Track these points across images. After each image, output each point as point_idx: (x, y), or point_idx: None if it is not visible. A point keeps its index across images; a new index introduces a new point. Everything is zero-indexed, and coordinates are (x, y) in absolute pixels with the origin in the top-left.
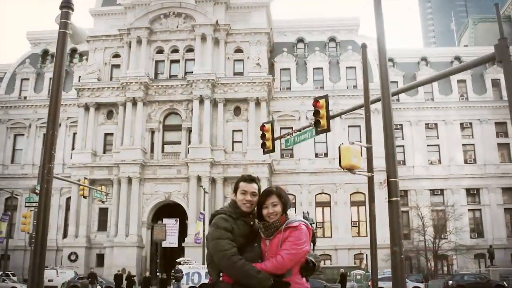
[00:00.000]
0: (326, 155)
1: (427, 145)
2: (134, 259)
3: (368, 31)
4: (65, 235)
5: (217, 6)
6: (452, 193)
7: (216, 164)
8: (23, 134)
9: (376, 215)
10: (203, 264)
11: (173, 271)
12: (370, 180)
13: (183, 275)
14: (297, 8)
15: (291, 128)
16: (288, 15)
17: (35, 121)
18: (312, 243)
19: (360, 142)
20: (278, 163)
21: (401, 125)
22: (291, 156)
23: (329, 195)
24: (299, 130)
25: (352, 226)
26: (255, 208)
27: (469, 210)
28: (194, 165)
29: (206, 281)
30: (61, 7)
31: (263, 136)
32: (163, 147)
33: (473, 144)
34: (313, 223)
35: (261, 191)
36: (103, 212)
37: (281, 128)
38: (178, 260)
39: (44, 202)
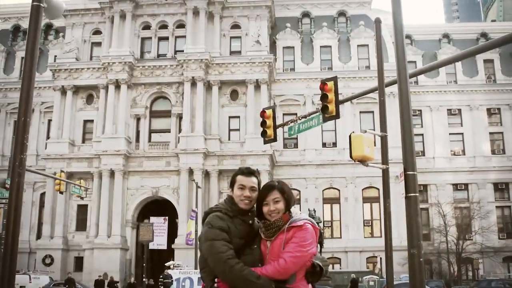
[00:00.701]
0: (335, 145)
1: (450, 134)
2: (118, 262)
3: (382, 4)
4: (39, 236)
5: None
6: (477, 188)
7: (210, 155)
8: None
9: (392, 213)
10: (196, 268)
11: (161, 276)
12: (385, 173)
13: (172, 281)
14: None
15: (295, 114)
16: None
17: (4, 106)
18: (319, 245)
19: (374, 130)
20: (281, 154)
21: (420, 111)
22: (295, 146)
23: (339, 190)
24: (305, 117)
25: (364, 225)
26: (255, 205)
27: (497, 207)
28: (185, 156)
29: (199, 287)
30: None
31: (263, 124)
32: (150, 136)
33: (502, 133)
34: (320, 222)
35: (261, 185)
36: (82, 210)
37: (284, 114)
38: (167, 264)
39: (15, 198)
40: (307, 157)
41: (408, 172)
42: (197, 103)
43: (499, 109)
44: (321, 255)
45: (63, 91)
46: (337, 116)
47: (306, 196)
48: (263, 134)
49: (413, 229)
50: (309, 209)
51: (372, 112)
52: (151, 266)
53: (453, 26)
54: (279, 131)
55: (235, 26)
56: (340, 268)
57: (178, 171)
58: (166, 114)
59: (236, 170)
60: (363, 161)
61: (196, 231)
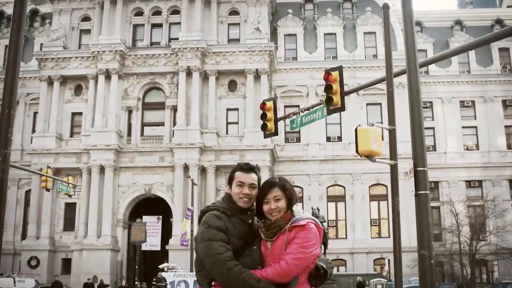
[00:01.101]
0: (340, 139)
1: (462, 127)
2: (108, 264)
3: None
4: (24, 236)
5: None
6: (492, 185)
7: (207, 150)
8: None
9: (401, 212)
10: (191, 271)
11: (154, 279)
12: (393, 169)
13: (166, 284)
14: None
15: (298, 106)
16: None
17: None
18: (323, 246)
19: (382, 123)
20: (282, 148)
21: (431, 102)
22: (298, 140)
23: (344, 187)
24: (308, 109)
25: (371, 224)
26: (254, 204)
27: None
28: (180, 151)
29: None
30: None
31: (263, 116)
32: (142, 130)
33: None
34: (324, 221)
35: (261, 182)
36: (70, 208)
37: (285, 106)
38: (161, 266)
39: None
40: (310, 152)
41: (418, 168)
42: (192, 95)
43: None
44: (325, 256)
45: (50, 82)
46: (342, 108)
47: (309, 193)
48: (263, 127)
49: (423, 228)
50: (312, 208)
51: (380, 104)
52: (143, 268)
53: (466, 13)
54: (281, 124)
55: (234, 12)
56: (346, 271)
57: (173, 167)
58: (160, 106)
59: (234, 166)
60: (370, 156)
61: (191, 231)
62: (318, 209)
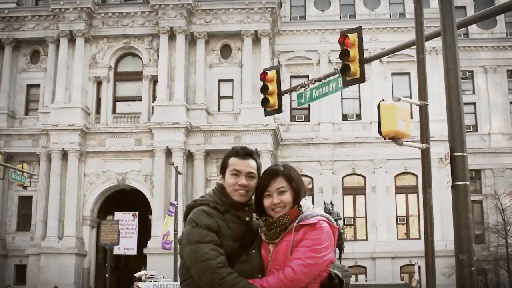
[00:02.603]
0: (359, 117)
1: (510, 103)
2: (72, 272)
3: None
4: None
5: None
6: None
7: (195, 131)
8: None
9: (434, 207)
10: (175, 280)
11: None
12: (425, 155)
13: None
14: None
15: (307, 77)
16: None
17: None
18: (337, 249)
19: (410, 97)
20: (287, 129)
21: (472, 72)
22: (307, 119)
23: (364, 177)
24: (319, 80)
25: (397, 223)
26: (253, 197)
27: None
28: (162, 132)
29: None
30: None
31: (264, 89)
32: (114, 106)
33: None
34: (340, 219)
35: (262, 171)
36: (26, 203)
37: (291, 77)
38: (137, 275)
39: None
40: (322, 134)
41: (455, 153)
42: (177, 62)
43: None
44: (340, 262)
45: (0, 46)
46: (361, 79)
47: (321, 185)
48: (264, 103)
49: (462, 228)
50: (324, 202)
51: (408, 74)
52: (116, 277)
53: None
54: (285, 99)
55: None
56: (366, 280)
57: (152, 152)
58: (136, 76)
59: (228, 151)
60: (396, 138)
61: (175, 231)
62: (331, 204)
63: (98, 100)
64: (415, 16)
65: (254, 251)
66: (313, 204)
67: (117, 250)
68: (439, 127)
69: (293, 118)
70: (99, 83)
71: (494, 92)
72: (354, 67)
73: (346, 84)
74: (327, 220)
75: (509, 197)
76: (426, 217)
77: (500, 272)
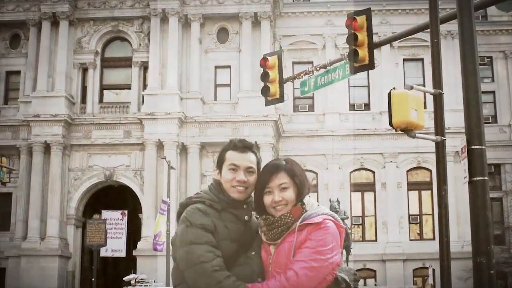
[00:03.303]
0: (367, 107)
1: None
2: (55, 276)
3: None
4: None
5: None
6: None
7: (189, 122)
8: None
9: (450, 205)
10: (167, 285)
11: None
12: (440, 148)
13: None
14: None
15: (311, 63)
16: None
17: None
18: (344, 251)
19: (424, 85)
20: (290, 120)
21: (491, 58)
22: (311, 109)
23: (373, 172)
24: (324, 67)
25: (410, 222)
26: (252, 195)
27: None
28: (153, 124)
29: None
30: None
31: (265, 76)
32: (101, 95)
33: None
34: (347, 218)
35: (262, 166)
36: (5, 201)
37: (294, 63)
38: (126, 279)
39: None
40: (327, 125)
41: (473, 146)
42: (169, 47)
43: None
44: (347, 265)
45: None
46: (371, 65)
47: (326, 180)
48: (265, 91)
49: (480, 228)
50: (330, 200)
51: (422, 59)
52: (103, 281)
53: None
54: (288, 87)
55: None
56: (376, 284)
57: (142, 145)
58: (125, 63)
59: (225, 144)
60: (408, 130)
61: (168, 231)
62: (338, 201)
63: (84, 89)
64: None
65: (253, 252)
66: (317, 201)
67: (104, 252)
68: (455, 117)
69: (296, 108)
70: (84, 70)
71: None
72: (363, 52)
73: (353, 71)
74: (333, 219)
75: None
76: (441, 216)
77: None
